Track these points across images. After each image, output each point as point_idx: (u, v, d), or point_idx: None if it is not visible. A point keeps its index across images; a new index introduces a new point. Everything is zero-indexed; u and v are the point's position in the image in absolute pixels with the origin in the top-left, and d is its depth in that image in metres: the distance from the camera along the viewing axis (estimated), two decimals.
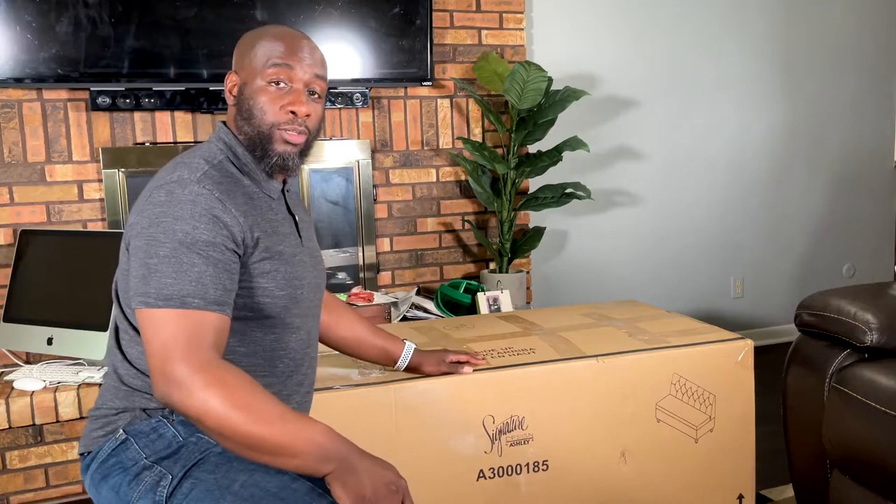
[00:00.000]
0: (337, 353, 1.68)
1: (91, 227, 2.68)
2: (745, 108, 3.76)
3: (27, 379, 2.27)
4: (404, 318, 2.76)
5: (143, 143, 2.71)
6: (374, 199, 3.03)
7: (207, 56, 2.63)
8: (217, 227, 1.13)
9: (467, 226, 3.19)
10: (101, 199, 2.68)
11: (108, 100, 2.59)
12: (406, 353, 1.61)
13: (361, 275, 3.03)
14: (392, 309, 2.69)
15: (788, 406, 1.86)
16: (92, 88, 2.57)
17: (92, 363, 2.38)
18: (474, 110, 3.16)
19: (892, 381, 1.57)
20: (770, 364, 2.56)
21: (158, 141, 2.73)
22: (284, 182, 1.34)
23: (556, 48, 3.35)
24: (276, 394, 1.26)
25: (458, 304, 2.85)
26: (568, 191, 3.05)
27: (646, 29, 3.51)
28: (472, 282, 2.94)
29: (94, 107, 2.59)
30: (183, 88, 2.67)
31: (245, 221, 1.18)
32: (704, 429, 1.81)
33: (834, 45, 3.88)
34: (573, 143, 2.94)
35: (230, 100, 1.28)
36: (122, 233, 1.23)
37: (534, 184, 3.30)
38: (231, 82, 1.28)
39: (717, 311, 3.83)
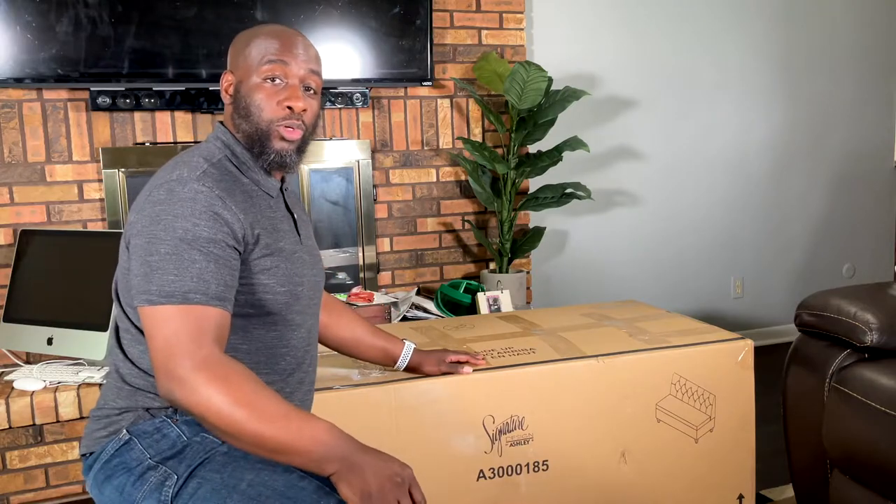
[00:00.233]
0: (337, 353, 1.68)
1: (91, 227, 2.68)
2: (745, 108, 3.76)
3: (27, 379, 2.27)
4: (404, 318, 2.76)
5: (143, 143, 2.71)
6: (374, 199, 3.03)
7: (207, 56, 2.63)
8: (217, 224, 1.13)
9: (467, 226, 3.19)
10: (102, 199, 2.68)
11: (108, 100, 2.59)
12: (406, 353, 1.61)
13: (361, 275, 3.03)
14: (392, 309, 2.69)
15: (788, 406, 1.86)
16: (92, 88, 2.57)
17: (92, 363, 2.38)
18: (474, 110, 3.16)
19: (892, 381, 1.57)
20: (770, 364, 2.56)
21: (158, 141, 2.73)
22: (283, 180, 1.35)
23: (556, 48, 3.35)
24: (278, 391, 1.27)
25: (458, 304, 2.85)
26: (568, 191, 3.05)
27: (646, 29, 3.51)
28: (472, 282, 2.94)
29: (94, 107, 2.59)
30: (183, 88, 2.68)
31: (245, 219, 1.18)
32: (704, 429, 1.81)
33: (834, 45, 3.88)
34: (573, 143, 2.94)
35: (226, 99, 1.29)
36: (122, 233, 1.23)
37: (534, 184, 3.30)
38: (227, 81, 1.29)
39: (717, 311, 3.83)
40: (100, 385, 2.27)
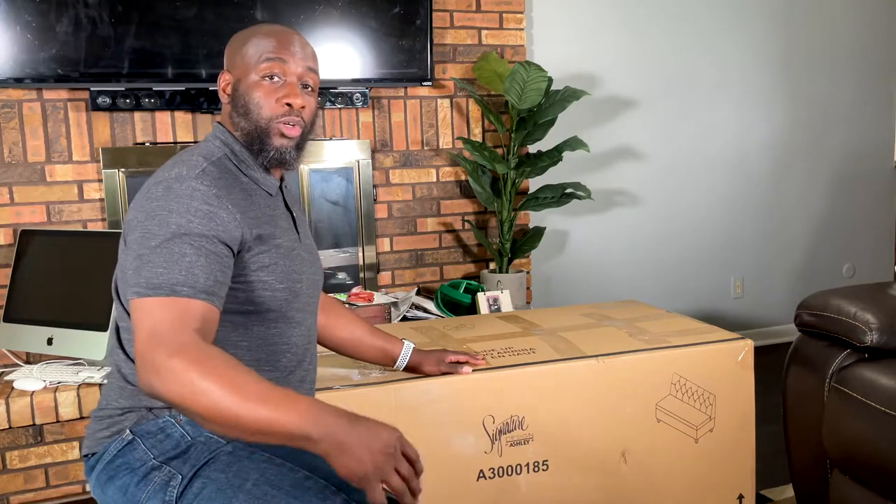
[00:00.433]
0: (336, 353, 1.68)
1: (91, 227, 2.68)
2: (745, 108, 3.76)
3: (27, 379, 2.27)
4: (404, 318, 2.76)
5: (143, 143, 2.71)
6: (374, 199, 3.03)
7: (207, 56, 2.63)
8: (212, 223, 1.13)
9: (467, 226, 3.19)
10: (102, 199, 2.68)
11: (108, 100, 2.59)
12: (405, 353, 1.61)
13: (361, 275, 3.03)
14: (392, 309, 2.69)
15: (788, 406, 1.86)
16: (92, 88, 2.57)
17: (92, 363, 2.38)
18: (474, 110, 3.16)
19: (892, 381, 1.57)
20: (770, 364, 2.56)
21: (158, 141, 2.73)
22: (282, 179, 1.36)
23: (556, 48, 3.35)
24: None
25: (458, 304, 2.85)
26: (568, 191, 3.05)
27: (646, 29, 3.51)
28: (472, 282, 2.94)
29: (94, 107, 2.59)
30: (183, 88, 2.68)
31: (242, 217, 1.18)
32: (704, 429, 1.81)
33: (834, 45, 3.88)
34: (573, 143, 2.94)
35: (224, 98, 1.30)
36: (121, 232, 1.23)
37: (534, 184, 3.30)
38: (224, 81, 1.29)
39: (717, 311, 3.83)
40: (100, 385, 2.27)
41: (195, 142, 2.77)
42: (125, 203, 2.67)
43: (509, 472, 1.66)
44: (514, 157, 3.00)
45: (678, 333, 1.88)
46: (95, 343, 2.31)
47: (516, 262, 3.26)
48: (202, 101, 2.71)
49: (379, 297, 2.73)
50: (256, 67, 1.25)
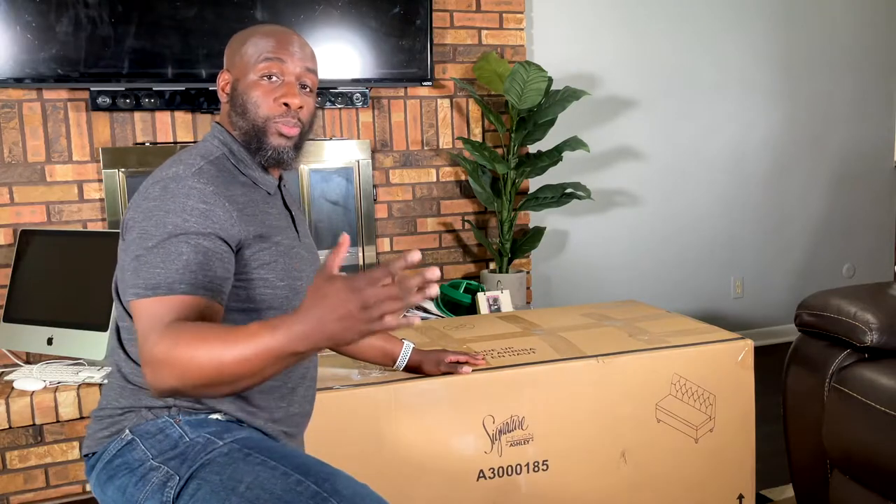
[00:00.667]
0: (336, 353, 1.68)
1: (91, 227, 2.68)
2: (745, 108, 3.76)
3: (27, 379, 2.27)
4: (404, 318, 2.76)
5: (143, 143, 2.71)
6: (374, 199, 3.03)
7: (207, 56, 2.63)
8: (208, 220, 1.14)
9: (467, 226, 3.19)
10: (101, 199, 2.68)
11: (108, 100, 2.59)
12: (405, 353, 1.62)
13: None
14: None
15: (788, 406, 1.86)
16: (92, 88, 2.57)
17: (92, 363, 2.38)
18: (474, 110, 3.16)
19: (892, 381, 1.57)
20: (770, 364, 2.56)
21: (158, 141, 2.73)
22: (280, 178, 1.36)
23: (556, 48, 3.35)
24: (281, 386, 1.28)
25: (458, 304, 2.85)
26: (568, 191, 3.05)
27: (646, 29, 3.51)
28: (472, 282, 2.94)
29: (94, 107, 2.59)
30: (183, 88, 2.68)
31: (240, 215, 1.19)
32: (704, 429, 1.81)
33: (834, 45, 3.88)
34: (573, 143, 2.94)
35: (223, 98, 1.30)
36: (120, 232, 1.24)
37: (534, 184, 3.30)
38: (223, 80, 1.30)
39: (717, 311, 3.83)
40: (100, 385, 2.27)
41: (195, 142, 2.77)
42: (125, 203, 2.67)
43: (509, 472, 1.66)
44: (514, 157, 3.00)
45: (678, 333, 1.88)
46: (95, 343, 2.31)
47: (516, 262, 3.26)
48: (202, 101, 2.71)
49: None
50: (255, 67, 1.25)
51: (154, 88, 2.64)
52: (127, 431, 1.19)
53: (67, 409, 2.24)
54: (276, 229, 1.27)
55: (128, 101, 2.61)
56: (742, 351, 1.83)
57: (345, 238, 0.99)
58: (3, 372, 2.41)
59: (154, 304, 1.07)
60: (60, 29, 2.48)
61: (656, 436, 1.77)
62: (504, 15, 3.15)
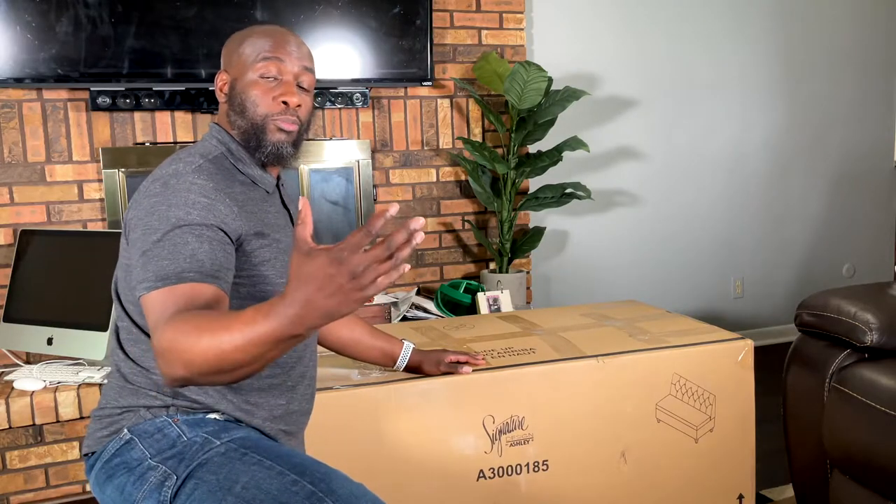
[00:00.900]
0: (336, 353, 1.68)
1: (91, 227, 2.67)
2: (744, 108, 3.76)
3: (27, 379, 2.27)
4: (404, 318, 2.76)
5: (143, 143, 2.71)
6: (374, 199, 3.03)
7: (207, 56, 2.63)
8: (211, 214, 1.15)
9: (467, 226, 3.19)
10: (101, 199, 2.68)
11: (108, 100, 2.59)
12: (405, 353, 1.62)
13: None
14: (392, 309, 2.69)
15: (788, 406, 1.86)
16: (92, 88, 2.57)
17: (92, 363, 2.38)
18: (474, 110, 3.16)
19: (892, 381, 1.57)
20: (770, 364, 2.56)
21: (158, 141, 2.73)
22: (279, 178, 1.37)
23: (556, 48, 3.35)
24: (281, 384, 1.28)
25: (458, 304, 2.85)
26: (568, 191, 3.05)
27: (646, 29, 3.51)
28: (472, 282, 2.94)
29: (94, 107, 2.59)
30: (183, 88, 2.68)
31: (240, 213, 1.20)
32: (704, 429, 1.81)
33: (834, 45, 3.88)
34: (573, 143, 2.94)
35: (221, 98, 1.31)
36: (121, 232, 1.24)
37: (534, 184, 3.30)
38: (221, 80, 1.31)
39: (717, 311, 3.83)
40: (100, 385, 2.27)
41: (195, 142, 2.77)
42: (125, 203, 2.67)
43: (509, 472, 1.66)
44: (514, 157, 3.00)
45: (678, 333, 1.88)
46: (95, 343, 2.31)
47: (516, 262, 3.26)
48: (202, 101, 2.71)
49: (379, 297, 2.73)
50: (253, 66, 1.26)
51: (154, 88, 2.64)
52: (125, 431, 1.19)
53: (67, 409, 2.24)
54: (274, 227, 1.27)
55: (128, 101, 2.61)
56: (742, 351, 1.83)
57: (304, 203, 0.95)
58: (3, 372, 2.41)
59: (164, 294, 1.07)
60: (60, 29, 2.48)
61: (656, 436, 1.77)
62: (504, 15, 3.15)
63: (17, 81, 2.48)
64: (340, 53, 2.81)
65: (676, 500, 1.81)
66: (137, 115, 2.70)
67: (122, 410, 1.21)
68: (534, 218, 3.35)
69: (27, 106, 2.59)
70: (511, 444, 1.66)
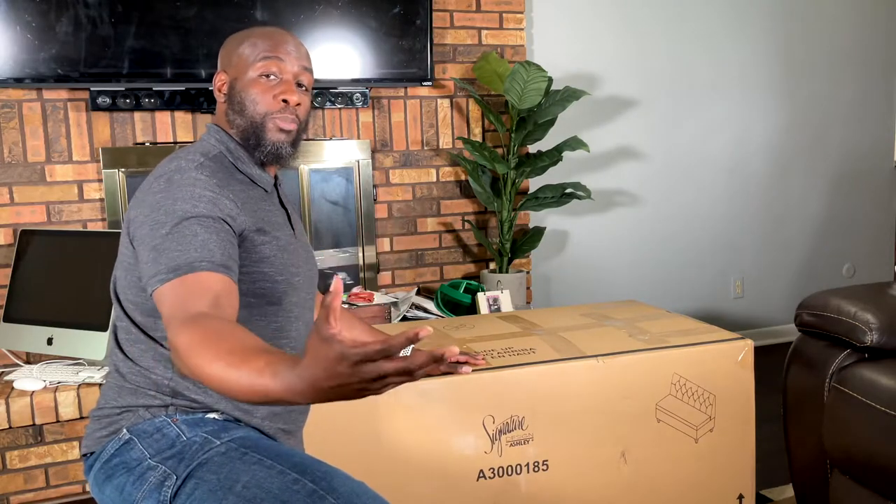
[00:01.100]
0: None
1: (91, 227, 2.67)
2: (744, 108, 3.76)
3: (27, 379, 2.27)
4: (404, 318, 2.76)
5: (143, 143, 2.71)
6: (374, 199, 3.03)
7: (207, 56, 2.63)
8: (216, 207, 1.16)
9: (467, 226, 3.19)
10: (101, 199, 2.68)
11: (108, 100, 2.59)
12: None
13: (361, 275, 3.03)
14: (392, 309, 2.69)
15: (788, 406, 1.86)
16: (92, 88, 2.57)
17: (92, 363, 2.38)
18: (474, 110, 3.16)
19: (892, 381, 1.57)
20: (770, 364, 2.56)
21: (158, 141, 2.73)
22: (276, 178, 1.38)
23: (556, 48, 3.35)
24: None
25: (458, 304, 2.85)
26: (568, 191, 3.05)
27: (646, 29, 3.51)
28: (472, 282, 2.94)
29: (94, 107, 2.59)
30: (183, 88, 2.68)
31: (241, 209, 1.21)
32: (704, 429, 1.81)
33: (834, 45, 3.88)
34: (573, 143, 2.94)
35: (220, 98, 1.32)
36: (121, 231, 1.24)
37: (534, 184, 3.30)
38: (220, 81, 1.32)
39: (717, 311, 3.83)
40: (100, 385, 2.27)
41: (195, 142, 2.77)
42: (125, 203, 2.67)
43: (509, 472, 1.66)
44: (514, 157, 3.00)
45: (678, 333, 1.88)
46: (95, 343, 2.31)
47: (516, 262, 3.26)
48: (202, 101, 2.71)
49: (379, 297, 2.73)
50: (253, 65, 1.27)
51: (154, 88, 2.64)
52: (124, 431, 1.19)
53: (67, 409, 2.24)
54: (273, 225, 1.28)
55: (128, 101, 2.61)
56: (742, 351, 1.83)
57: (338, 284, 0.89)
58: (3, 372, 2.41)
59: (177, 285, 1.07)
60: (60, 29, 2.48)
61: (656, 436, 1.77)
62: (504, 15, 3.15)
63: (17, 81, 2.48)
64: (340, 53, 2.81)
65: (676, 501, 1.81)
66: (137, 115, 2.70)
67: (121, 410, 1.21)
68: (534, 218, 3.35)
69: (27, 106, 2.59)
70: (511, 444, 1.66)
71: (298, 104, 1.29)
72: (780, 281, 3.94)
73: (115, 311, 1.27)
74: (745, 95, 3.74)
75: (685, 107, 3.63)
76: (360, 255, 3.02)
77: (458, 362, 1.63)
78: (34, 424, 2.24)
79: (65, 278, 2.41)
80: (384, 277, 3.09)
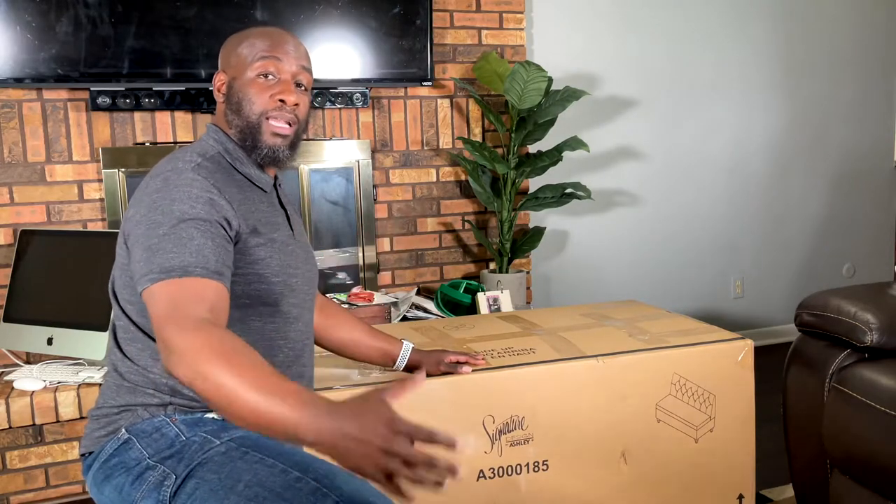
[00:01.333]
0: (336, 353, 1.68)
1: (91, 227, 2.68)
2: (744, 108, 3.76)
3: (27, 379, 2.27)
4: (404, 318, 2.76)
5: (143, 143, 2.71)
6: (374, 199, 3.03)
7: (207, 56, 2.63)
8: (213, 209, 1.16)
9: (467, 226, 3.19)
10: (101, 199, 2.68)
11: (108, 100, 2.59)
12: (404, 353, 1.62)
13: (361, 275, 3.03)
14: (392, 309, 2.69)
15: (788, 406, 1.86)
16: (92, 88, 2.57)
17: (92, 363, 2.38)
18: (474, 110, 3.16)
19: (892, 381, 1.57)
20: (770, 364, 2.56)
21: (158, 141, 2.73)
22: (276, 177, 1.38)
23: (556, 48, 3.35)
24: None
25: (458, 304, 2.85)
26: (568, 191, 3.05)
27: (646, 29, 3.51)
28: (472, 282, 2.94)
29: (94, 107, 2.59)
30: (183, 88, 2.68)
31: (238, 210, 1.21)
32: (704, 429, 1.81)
33: (834, 45, 3.88)
34: (573, 143, 2.94)
35: (219, 98, 1.32)
36: (119, 231, 1.24)
37: (534, 184, 3.30)
38: (219, 81, 1.32)
39: (717, 311, 3.83)
40: (99, 385, 2.27)
41: (194, 142, 2.77)
42: (125, 203, 2.67)
43: (509, 472, 1.66)
44: (514, 157, 3.00)
45: (678, 333, 1.88)
46: (95, 343, 2.31)
47: (516, 262, 3.26)
48: (202, 101, 2.71)
49: (379, 297, 2.73)
50: (252, 65, 1.27)
51: (154, 88, 2.64)
52: (123, 431, 1.19)
53: (67, 409, 2.24)
54: (271, 226, 1.28)
55: (128, 101, 2.61)
56: (742, 351, 1.82)
57: (421, 376, 1.00)
58: (3, 372, 2.41)
59: (170, 286, 1.06)
60: (60, 29, 2.48)
61: (656, 436, 1.77)
62: (504, 15, 3.15)
63: (17, 81, 2.48)
64: (340, 53, 2.81)
65: (676, 501, 1.81)
66: (137, 115, 2.70)
67: (120, 409, 1.21)
68: (534, 218, 3.35)
69: (27, 106, 2.59)
70: (511, 444, 1.66)
71: (296, 104, 1.29)
72: (780, 281, 3.94)
73: (113, 311, 1.27)
74: (745, 95, 3.74)
75: (685, 107, 3.63)
76: (360, 255, 3.02)
77: (458, 362, 1.63)
78: (34, 424, 2.24)
79: (65, 278, 2.41)
80: (384, 277, 3.09)
